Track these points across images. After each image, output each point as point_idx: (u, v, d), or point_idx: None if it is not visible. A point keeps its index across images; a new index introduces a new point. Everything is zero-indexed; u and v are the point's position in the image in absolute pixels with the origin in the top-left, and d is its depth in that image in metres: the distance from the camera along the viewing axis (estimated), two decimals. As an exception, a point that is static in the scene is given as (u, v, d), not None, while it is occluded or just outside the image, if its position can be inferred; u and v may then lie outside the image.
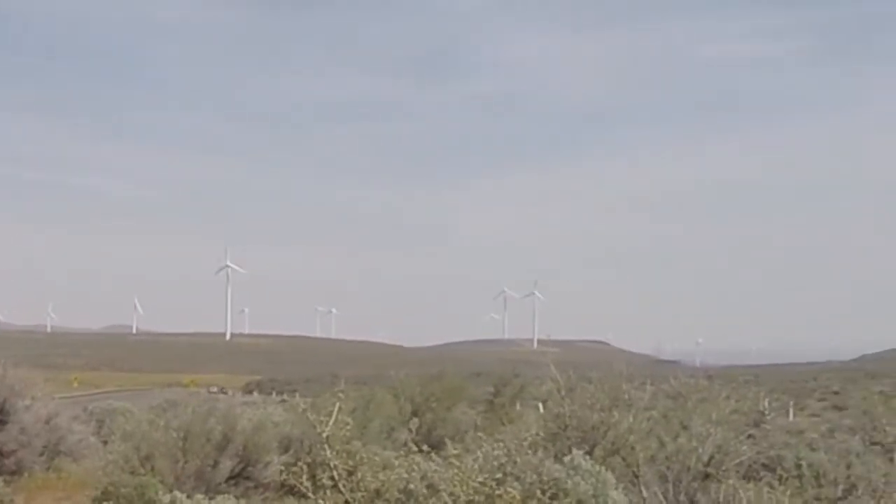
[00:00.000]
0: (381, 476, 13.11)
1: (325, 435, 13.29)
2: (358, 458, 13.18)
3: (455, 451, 13.28)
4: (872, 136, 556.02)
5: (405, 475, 13.16)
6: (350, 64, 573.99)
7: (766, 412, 64.58)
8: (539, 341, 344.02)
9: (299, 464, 13.24)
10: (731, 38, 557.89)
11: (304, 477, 13.10)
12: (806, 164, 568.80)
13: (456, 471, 12.91)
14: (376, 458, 13.78)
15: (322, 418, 13.49)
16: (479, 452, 13.56)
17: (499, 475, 13.19)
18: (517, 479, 14.58)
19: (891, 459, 30.68)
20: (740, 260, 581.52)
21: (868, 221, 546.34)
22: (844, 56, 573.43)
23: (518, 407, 40.40)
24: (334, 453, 13.14)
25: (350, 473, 13.12)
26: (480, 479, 12.84)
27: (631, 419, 20.77)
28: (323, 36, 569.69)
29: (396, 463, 13.41)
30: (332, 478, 13.10)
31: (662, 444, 20.65)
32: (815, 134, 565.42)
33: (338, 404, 13.77)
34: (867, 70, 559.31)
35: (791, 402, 79.32)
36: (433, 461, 13.72)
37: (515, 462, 13.88)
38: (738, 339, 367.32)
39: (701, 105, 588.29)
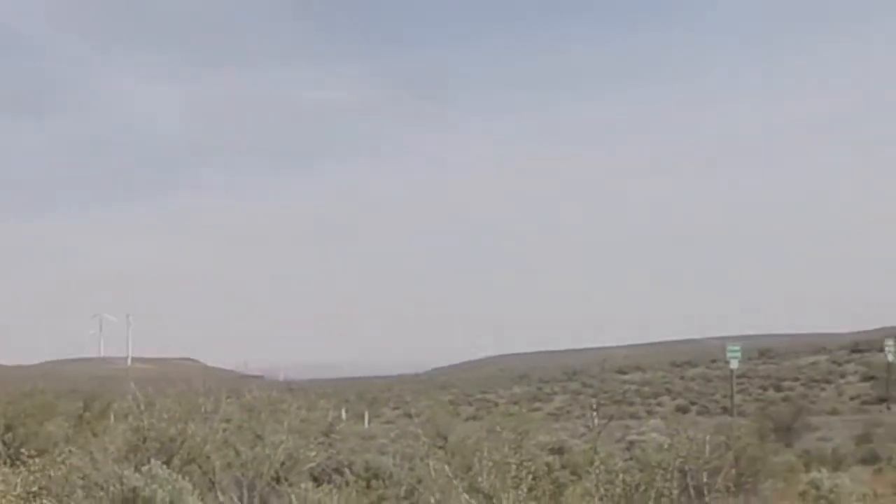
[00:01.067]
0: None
1: None
2: None
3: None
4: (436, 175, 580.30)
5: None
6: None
7: (341, 420, 66.36)
8: (133, 359, 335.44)
9: None
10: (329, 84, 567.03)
11: None
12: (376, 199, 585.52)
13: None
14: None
15: None
16: (22, 468, 13.41)
17: (34, 489, 13.13)
18: (102, 488, 14.56)
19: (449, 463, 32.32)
20: (286, 283, 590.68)
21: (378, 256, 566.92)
22: (417, 103, 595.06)
23: (112, 421, 39.69)
24: None
25: None
26: (17, 492, 12.76)
27: (207, 430, 21.08)
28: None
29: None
30: None
31: (238, 453, 21.01)
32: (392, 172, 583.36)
33: None
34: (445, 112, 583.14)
35: (366, 411, 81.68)
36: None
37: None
38: (323, 353, 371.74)
39: (296, 146, 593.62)
